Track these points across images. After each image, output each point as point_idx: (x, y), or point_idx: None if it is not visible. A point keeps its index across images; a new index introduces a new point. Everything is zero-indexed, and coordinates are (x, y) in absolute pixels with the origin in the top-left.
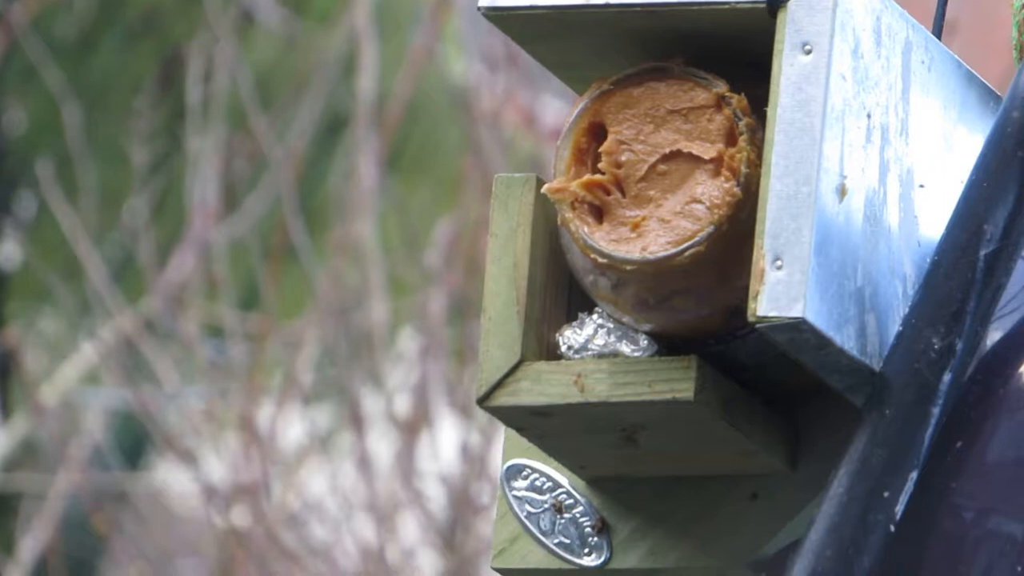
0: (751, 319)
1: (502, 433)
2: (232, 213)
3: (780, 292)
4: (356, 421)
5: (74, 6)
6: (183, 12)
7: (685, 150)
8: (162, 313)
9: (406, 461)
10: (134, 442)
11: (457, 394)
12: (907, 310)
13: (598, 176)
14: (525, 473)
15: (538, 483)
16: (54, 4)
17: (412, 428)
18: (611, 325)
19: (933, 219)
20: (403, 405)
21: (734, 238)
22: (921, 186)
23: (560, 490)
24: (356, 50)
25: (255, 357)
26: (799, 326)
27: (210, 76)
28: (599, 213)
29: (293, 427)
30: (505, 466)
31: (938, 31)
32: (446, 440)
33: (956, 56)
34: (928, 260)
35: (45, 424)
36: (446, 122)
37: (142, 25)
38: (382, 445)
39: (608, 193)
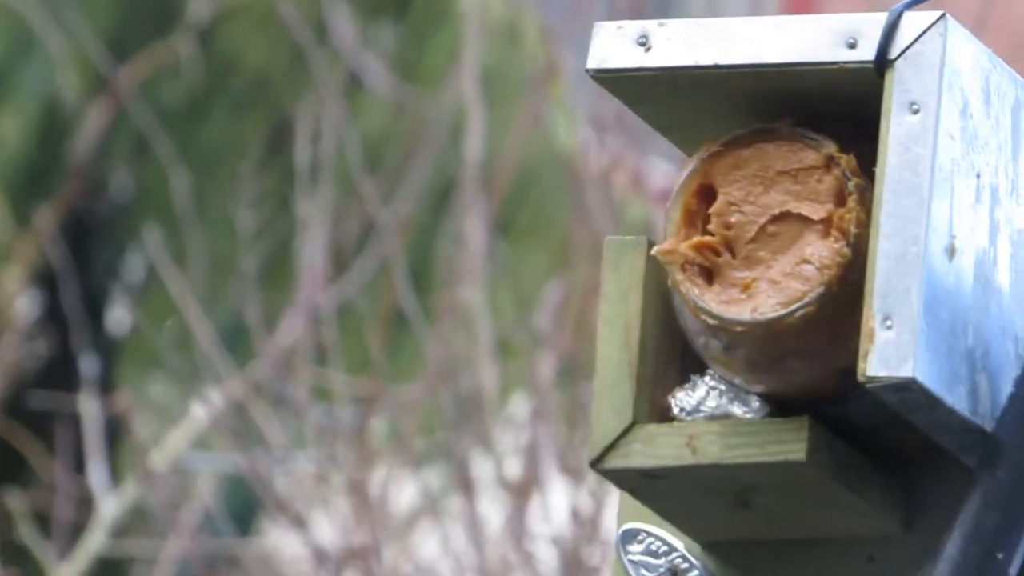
0: (861, 379)
1: (614, 496)
2: (341, 277)
3: (890, 352)
4: (466, 484)
5: (181, 72)
6: (291, 78)
7: (795, 211)
8: (272, 377)
9: (517, 524)
10: (244, 507)
11: (567, 457)
12: (1019, 371)
13: (708, 237)
14: (640, 537)
15: (654, 547)
16: (162, 70)
17: (522, 491)
18: (723, 387)
19: None
20: (513, 468)
21: (845, 298)
22: None
23: (676, 554)
24: (464, 115)
25: (365, 421)
26: (909, 386)
27: (318, 140)
28: (709, 274)
29: (404, 491)
30: (621, 530)
31: None
32: (557, 503)
33: None
34: None
35: (155, 489)
36: (555, 186)
37: (251, 91)
38: (493, 509)
39: (718, 254)
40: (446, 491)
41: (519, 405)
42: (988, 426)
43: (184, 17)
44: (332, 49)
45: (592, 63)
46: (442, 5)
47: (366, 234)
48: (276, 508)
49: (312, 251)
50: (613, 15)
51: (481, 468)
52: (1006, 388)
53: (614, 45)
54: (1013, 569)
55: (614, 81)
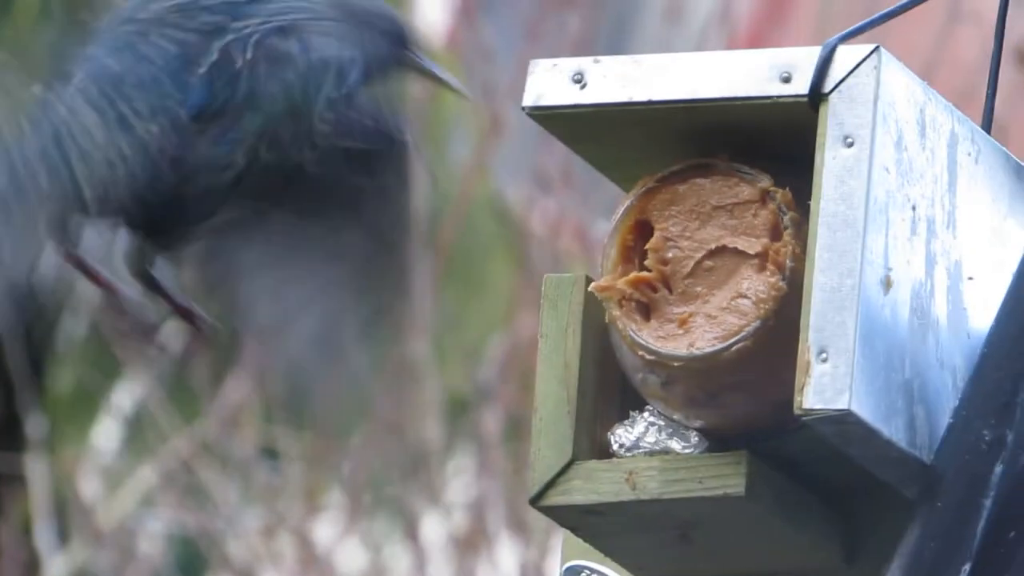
0: (797, 412)
1: (559, 545)
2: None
3: (826, 384)
4: (413, 538)
5: None
6: None
7: (731, 245)
8: (218, 435)
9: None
10: (193, 566)
11: (516, 511)
12: (957, 402)
13: (644, 273)
14: (584, 574)
15: None
16: None
17: (470, 546)
18: (662, 423)
19: (982, 311)
20: (461, 523)
21: (781, 332)
22: (970, 278)
23: None
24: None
25: (311, 477)
26: (845, 418)
27: None
28: (647, 310)
29: (351, 546)
30: (564, 567)
31: (987, 124)
32: (505, 557)
33: (1005, 149)
34: (978, 352)
35: (102, 550)
36: (499, 240)
37: None
38: (441, 563)
39: (655, 290)
40: (394, 546)
41: (463, 459)
42: (927, 458)
43: None
44: None
45: (528, 100)
46: None
47: None
48: (224, 566)
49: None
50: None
51: (429, 523)
52: (944, 419)
53: (550, 82)
54: None
55: (550, 118)
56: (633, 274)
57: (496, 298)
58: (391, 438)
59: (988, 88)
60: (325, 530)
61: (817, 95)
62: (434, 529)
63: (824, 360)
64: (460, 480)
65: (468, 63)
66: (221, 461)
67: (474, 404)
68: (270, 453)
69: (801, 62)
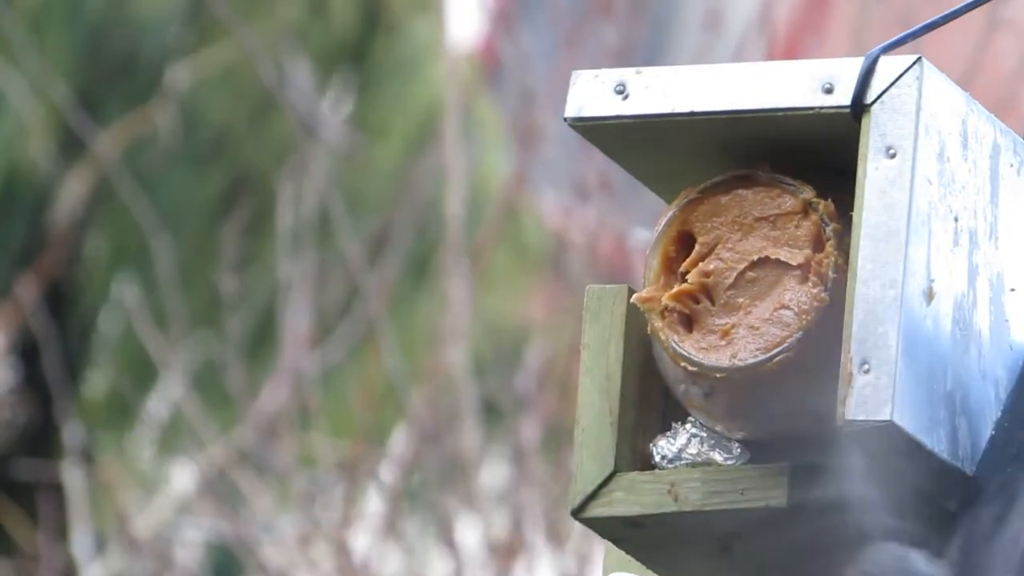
0: (839, 423)
1: (599, 555)
2: (325, 341)
3: (868, 396)
4: (450, 546)
5: (159, 136)
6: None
7: (773, 256)
8: (256, 443)
9: None
10: (229, 573)
11: (553, 521)
12: (999, 413)
13: (686, 286)
14: None
15: None
16: (140, 135)
17: (508, 555)
18: (704, 434)
19: None
20: (499, 530)
21: (823, 343)
22: (1012, 290)
23: None
24: (444, 176)
25: (349, 485)
26: (887, 429)
27: (300, 202)
28: (689, 321)
29: (388, 553)
30: None
31: None
32: (543, 568)
33: None
34: (1020, 364)
35: (139, 557)
36: (537, 246)
37: (215, 150)
38: (478, 570)
39: (697, 302)
40: (431, 554)
41: (500, 467)
42: (968, 469)
43: (158, 78)
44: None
45: (570, 111)
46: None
47: (350, 297)
48: (261, 574)
49: (295, 315)
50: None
51: (467, 531)
52: (986, 431)
53: (592, 94)
54: None
55: (592, 130)
56: (676, 288)
57: (535, 307)
58: (429, 445)
59: None
60: (362, 539)
61: (859, 106)
62: (471, 536)
63: (866, 371)
64: (497, 488)
65: (505, 71)
66: (258, 468)
67: (511, 412)
68: (308, 461)
69: (843, 73)
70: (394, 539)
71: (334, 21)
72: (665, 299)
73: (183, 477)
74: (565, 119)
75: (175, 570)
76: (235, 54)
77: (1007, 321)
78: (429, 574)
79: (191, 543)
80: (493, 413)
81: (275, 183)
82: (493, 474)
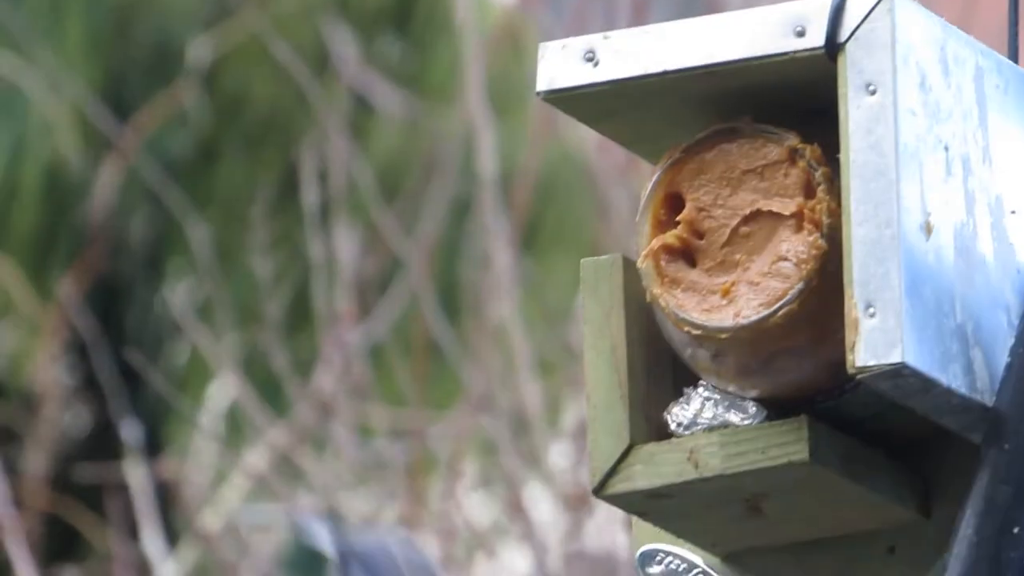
0: (851, 370)
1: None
2: (369, 314)
3: (877, 339)
4: (517, 508)
5: (188, 119)
6: (299, 113)
7: (765, 208)
8: (313, 422)
9: (574, 539)
10: (304, 555)
11: None
12: (1014, 339)
13: (671, 239)
14: (659, 558)
15: (673, 566)
16: (167, 119)
17: (577, 505)
18: (717, 396)
19: None
20: (567, 483)
21: (826, 291)
22: (1013, 212)
23: (696, 570)
24: (473, 132)
25: (413, 455)
26: (900, 371)
27: (327, 176)
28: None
29: (458, 518)
30: (638, 553)
31: (1012, 53)
32: (614, 516)
33: None
34: None
35: (213, 549)
36: (575, 192)
37: (260, 131)
38: (549, 527)
39: (691, 261)
40: (500, 515)
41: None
42: (989, 401)
43: (184, 63)
44: (335, 76)
45: (541, 85)
46: (444, 14)
47: (390, 266)
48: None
49: (336, 290)
50: (611, 21)
51: (533, 487)
52: (1002, 359)
53: (561, 64)
54: None
55: (566, 101)
56: (661, 239)
57: (579, 251)
58: (487, 407)
59: (1009, 17)
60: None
61: (833, 45)
62: (539, 494)
63: (872, 315)
64: (562, 443)
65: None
66: (317, 446)
67: (566, 364)
68: (367, 434)
69: (814, 14)
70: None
71: None
72: (655, 244)
73: (247, 463)
74: (537, 93)
75: (251, 558)
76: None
77: (1011, 244)
78: (502, 536)
79: (263, 528)
80: (547, 370)
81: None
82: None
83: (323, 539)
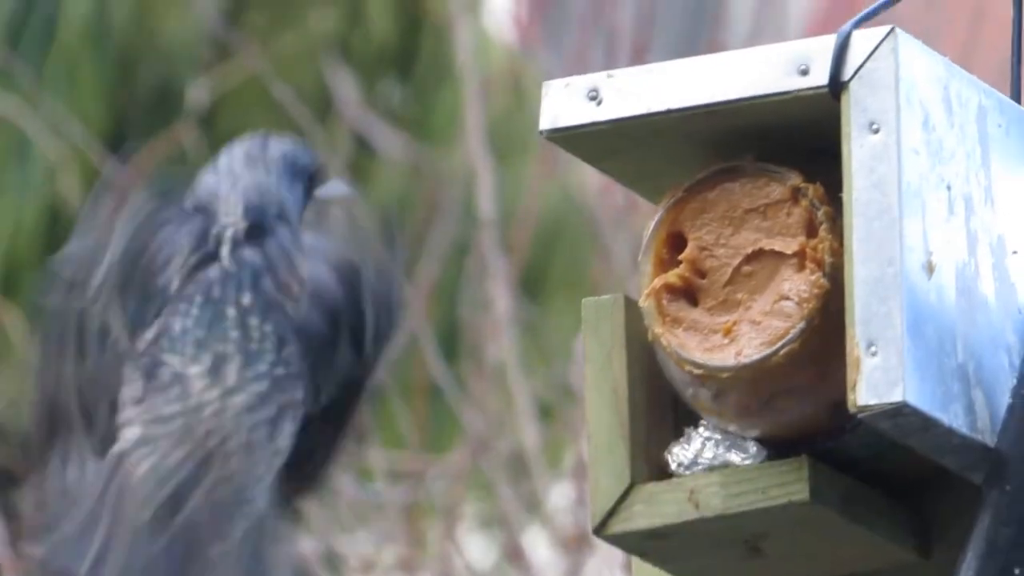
0: (852, 409)
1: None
2: None
3: (878, 378)
4: (516, 550)
5: (186, 159)
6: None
7: (767, 248)
8: None
9: None
10: None
11: None
12: (1015, 380)
13: (672, 278)
14: None
15: None
16: (165, 159)
17: (576, 548)
18: (718, 436)
19: None
20: (566, 525)
21: (828, 330)
22: (1015, 252)
23: None
24: (473, 174)
25: (412, 497)
26: (901, 410)
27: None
28: (689, 325)
29: (458, 560)
30: None
31: (1015, 94)
32: (613, 557)
33: None
34: None
35: None
36: (576, 235)
37: None
38: (548, 568)
39: (693, 287)
40: (499, 557)
41: (562, 463)
42: (989, 441)
43: (182, 103)
44: (336, 118)
45: (545, 123)
46: (446, 57)
47: None
48: None
49: None
50: (611, 61)
51: (532, 530)
52: (1004, 400)
53: (565, 102)
54: None
55: (569, 139)
56: (663, 279)
57: (579, 294)
58: (486, 449)
59: (1012, 56)
60: (432, 548)
61: (837, 84)
62: (539, 535)
63: (874, 353)
64: (561, 485)
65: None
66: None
67: (565, 405)
68: (365, 475)
69: (817, 53)
70: (457, 550)
71: (373, 28)
72: (656, 283)
73: None
74: (540, 132)
75: None
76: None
77: (1013, 284)
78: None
79: None
80: (546, 412)
81: None
82: (560, 468)
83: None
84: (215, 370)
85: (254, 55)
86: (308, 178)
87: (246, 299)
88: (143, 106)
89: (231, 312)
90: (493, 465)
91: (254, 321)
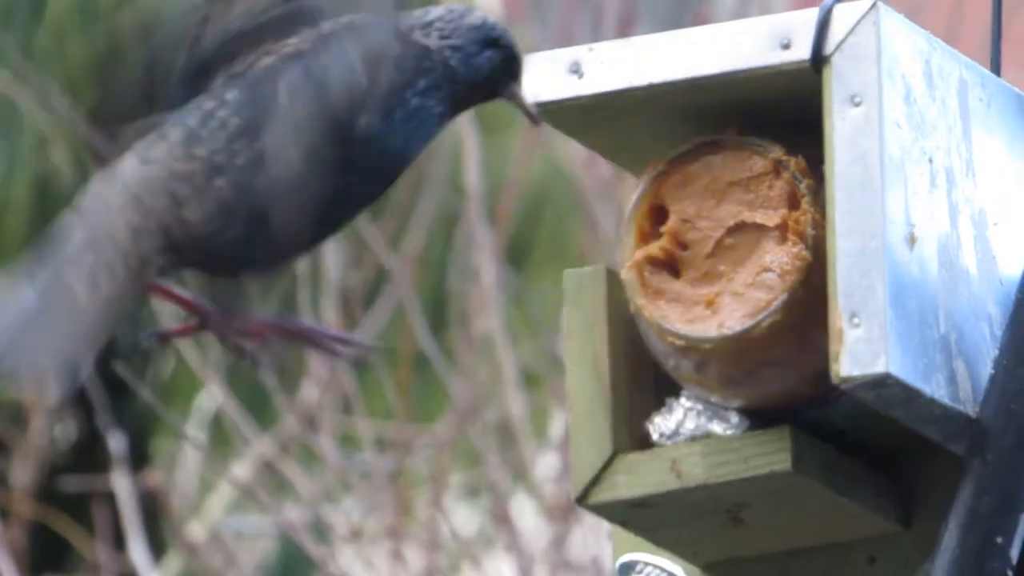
0: (835, 380)
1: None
2: (355, 325)
3: (861, 350)
4: (504, 517)
5: None
6: None
7: (749, 220)
8: (299, 433)
9: (559, 550)
10: (290, 565)
11: None
12: (996, 351)
13: (654, 251)
14: (639, 568)
15: None
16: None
17: (563, 516)
18: (700, 406)
19: (1012, 256)
20: (553, 494)
21: (810, 302)
22: (995, 224)
23: None
24: (460, 145)
25: (398, 466)
26: (884, 381)
27: None
28: (672, 297)
29: (444, 529)
30: (618, 564)
31: (995, 66)
32: (599, 526)
33: (1016, 89)
34: (1012, 298)
35: (198, 559)
36: (562, 205)
37: None
38: (535, 538)
39: (674, 258)
40: (486, 526)
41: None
42: (971, 411)
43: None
44: None
45: (528, 97)
46: None
47: (376, 278)
48: (321, 563)
49: (323, 301)
50: (597, 33)
51: (519, 498)
52: (986, 371)
53: (547, 76)
54: (1014, 552)
55: (551, 113)
56: (643, 250)
57: (566, 264)
58: (473, 419)
59: (992, 30)
60: (419, 517)
61: (819, 58)
62: (525, 506)
63: (856, 325)
64: (548, 454)
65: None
66: (305, 457)
67: (552, 376)
68: (352, 445)
69: (799, 26)
70: (443, 518)
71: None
72: (638, 255)
73: (232, 476)
74: None
75: (236, 568)
76: None
77: (994, 256)
78: (488, 547)
79: (249, 538)
80: (534, 379)
81: None
82: (540, 443)
83: None
84: None
85: None
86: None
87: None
88: (132, 79)
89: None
90: (479, 434)
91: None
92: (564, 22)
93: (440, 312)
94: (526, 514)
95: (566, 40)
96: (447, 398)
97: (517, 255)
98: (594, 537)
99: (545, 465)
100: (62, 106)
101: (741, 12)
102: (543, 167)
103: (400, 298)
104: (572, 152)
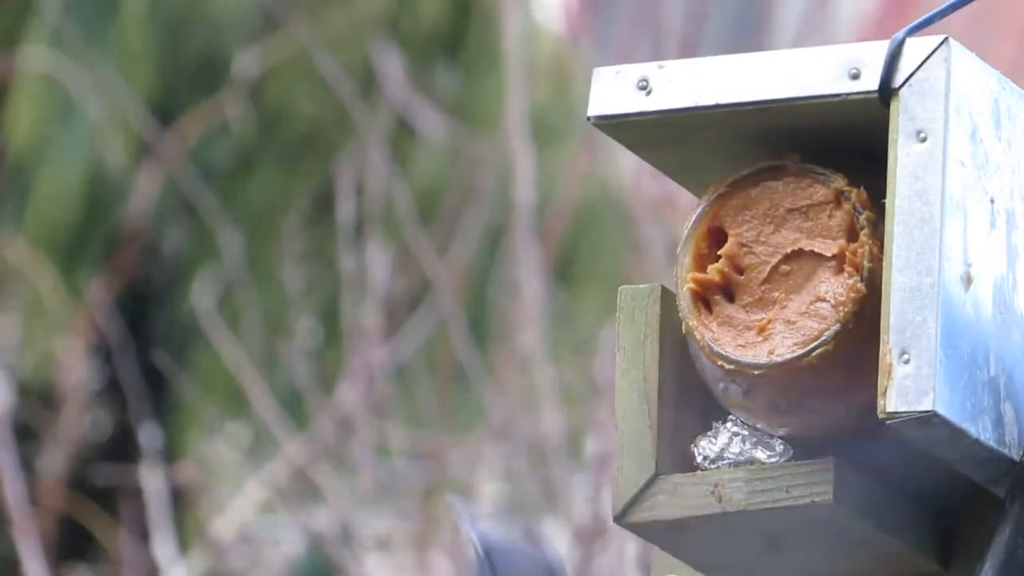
0: (881, 415)
1: None
2: (396, 333)
3: (909, 386)
4: (532, 534)
5: (230, 130)
6: (341, 130)
7: (807, 248)
8: (333, 439)
9: (586, 571)
10: (316, 570)
11: None
12: None
13: (708, 275)
14: None
15: None
16: (210, 129)
17: (591, 538)
18: (745, 432)
19: None
20: (583, 515)
21: (862, 335)
22: None
23: None
24: (512, 160)
25: (432, 477)
26: (930, 419)
27: (363, 193)
28: (724, 320)
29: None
30: None
31: None
32: (628, 550)
33: None
34: None
35: (223, 559)
36: (610, 226)
37: (300, 146)
38: (564, 555)
39: (729, 281)
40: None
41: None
42: (1016, 455)
43: (229, 74)
44: (380, 97)
45: (593, 110)
46: (494, 42)
47: (420, 287)
48: (346, 569)
49: (365, 307)
50: (658, 55)
51: (548, 520)
52: None
53: (614, 90)
54: None
55: (616, 127)
56: (699, 274)
57: (611, 285)
58: (508, 434)
59: None
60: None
61: (887, 90)
62: (556, 525)
63: (906, 361)
64: (579, 475)
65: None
66: (336, 463)
67: (589, 395)
68: (386, 454)
69: (869, 57)
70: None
71: (422, 11)
72: (689, 278)
73: (263, 477)
74: (588, 118)
75: (261, 570)
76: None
77: None
78: None
79: (276, 541)
80: (570, 401)
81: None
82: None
83: (467, 525)
84: None
85: (303, 29)
86: None
87: None
88: (190, 73)
89: None
90: (513, 451)
91: None
92: (626, 41)
93: (482, 325)
94: (556, 534)
95: (627, 59)
96: (483, 412)
97: (562, 273)
98: (619, 563)
99: (576, 486)
100: (120, 96)
101: (801, 42)
102: (592, 185)
103: (443, 309)
104: (621, 172)
